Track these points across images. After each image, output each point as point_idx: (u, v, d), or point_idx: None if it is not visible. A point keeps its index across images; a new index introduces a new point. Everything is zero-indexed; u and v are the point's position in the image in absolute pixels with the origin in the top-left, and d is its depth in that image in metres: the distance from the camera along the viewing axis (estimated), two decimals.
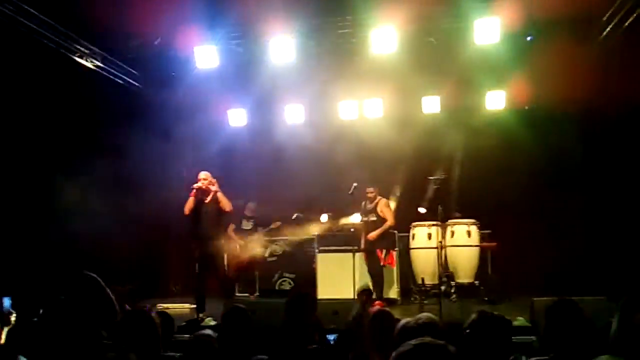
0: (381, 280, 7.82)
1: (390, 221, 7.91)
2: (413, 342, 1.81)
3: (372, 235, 7.84)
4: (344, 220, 9.11)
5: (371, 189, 7.98)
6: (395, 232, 8.44)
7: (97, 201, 8.45)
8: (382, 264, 7.93)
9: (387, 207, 8.05)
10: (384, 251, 8.00)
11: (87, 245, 8.09)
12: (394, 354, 1.80)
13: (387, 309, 3.77)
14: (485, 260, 8.55)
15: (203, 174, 7.26)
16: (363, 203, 8.13)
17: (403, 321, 2.61)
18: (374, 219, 7.95)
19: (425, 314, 2.67)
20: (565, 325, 3.07)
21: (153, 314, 3.08)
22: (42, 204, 7.93)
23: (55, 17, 7.48)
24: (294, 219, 9.56)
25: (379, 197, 8.04)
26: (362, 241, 8.10)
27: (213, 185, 7.21)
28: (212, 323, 6.27)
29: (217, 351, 3.17)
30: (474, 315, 2.76)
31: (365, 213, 8.09)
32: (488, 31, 8.05)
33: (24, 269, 7.04)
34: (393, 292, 8.36)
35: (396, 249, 8.43)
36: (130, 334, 2.92)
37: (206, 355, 3.13)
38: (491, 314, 2.90)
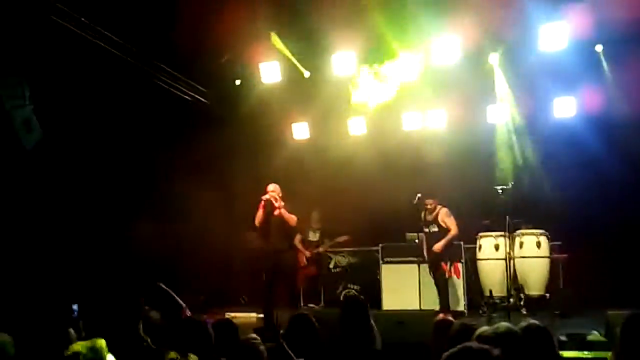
0: (446, 293, 7.71)
1: (454, 230, 7.76)
2: (459, 346, 1.85)
3: (438, 246, 7.71)
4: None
5: (430, 201, 7.86)
6: (461, 242, 8.33)
7: (169, 216, 8.81)
8: (447, 275, 7.83)
9: (449, 217, 7.85)
10: (449, 262, 7.91)
11: (160, 258, 8.46)
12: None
13: (450, 318, 3.75)
14: (556, 273, 8.27)
15: (271, 186, 7.38)
16: (422, 214, 8.02)
17: (479, 330, 2.57)
18: (435, 229, 7.83)
19: (504, 324, 2.61)
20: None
21: (209, 325, 3.23)
22: (117, 218, 8.32)
23: (126, 37, 7.91)
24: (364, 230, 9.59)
25: (439, 207, 7.89)
26: (425, 253, 8.03)
27: (277, 201, 7.26)
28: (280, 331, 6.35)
29: (262, 356, 3.26)
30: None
31: (426, 224, 7.98)
32: (555, 37, 7.88)
33: (96, 279, 7.39)
34: (460, 305, 8.22)
35: (462, 260, 8.31)
36: (187, 340, 3.07)
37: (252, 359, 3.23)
38: (536, 327, 2.85)
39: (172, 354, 2.87)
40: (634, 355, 3.02)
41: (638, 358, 2.98)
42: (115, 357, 2.53)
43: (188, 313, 3.93)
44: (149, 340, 2.91)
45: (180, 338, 3.13)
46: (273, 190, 7.33)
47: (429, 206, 7.88)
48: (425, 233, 8.00)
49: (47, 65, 6.89)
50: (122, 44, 7.87)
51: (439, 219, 7.81)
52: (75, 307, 5.90)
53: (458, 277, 8.17)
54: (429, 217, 7.90)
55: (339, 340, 3.60)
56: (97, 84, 7.71)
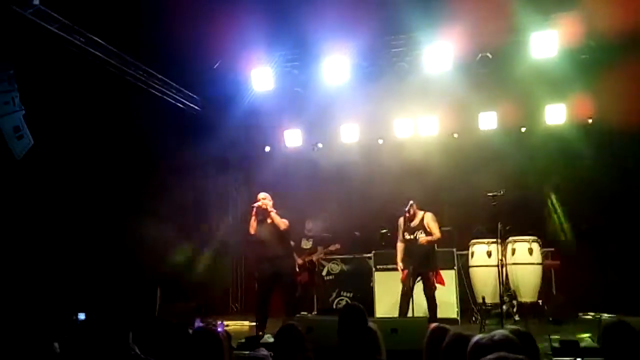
0: (436, 304, 7.30)
1: (438, 235, 7.33)
2: (491, 356, 1.82)
3: (424, 239, 7.20)
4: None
5: (408, 207, 7.34)
6: (454, 250, 8.32)
7: (162, 224, 8.75)
8: (434, 286, 7.37)
9: (435, 222, 7.37)
10: (434, 272, 7.43)
11: (153, 266, 8.42)
12: None
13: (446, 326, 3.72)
14: (549, 279, 8.29)
15: (262, 195, 7.35)
16: (401, 220, 7.48)
17: (476, 337, 2.53)
18: (423, 235, 7.32)
19: (500, 331, 2.58)
20: (622, 346, 3.04)
21: (221, 332, 3.18)
22: (112, 226, 8.28)
23: (118, 44, 7.88)
24: (355, 237, 9.60)
25: (423, 212, 7.41)
26: (405, 262, 7.42)
27: (266, 207, 7.19)
28: (271, 340, 6.32)
29: None
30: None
31: (410, 231, 7.39)
32: (545, 45, 7.94)
33: (97, 287, 7.35)
34: (452, 312, 8.18)
35: (454, 267, 8.29)
36: (198, 350, 3.02)
37: None
38: (519, 333, 2.85)
39: None
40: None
41: None
42: None
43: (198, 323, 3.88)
44: (136, 349, 2.87)
45: (193, 348, 3.07)
46: (264, 197, 7.29)
47: (409, 213, 7.37)
48: (409, 240, 7.40)
49: (37, 72, 6.84)
50: (113, 50, 7.84)
51: (425, 223, 7.36)
52: (81, 316, 5.85)
53: (442, 284, 7.60)
54: (413, 224, 7.42)
55: (338, 350, 3.55)
56: (86, 90, 7.67)
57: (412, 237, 7.36)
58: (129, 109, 8.54)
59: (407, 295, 7.24)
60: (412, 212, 7.35)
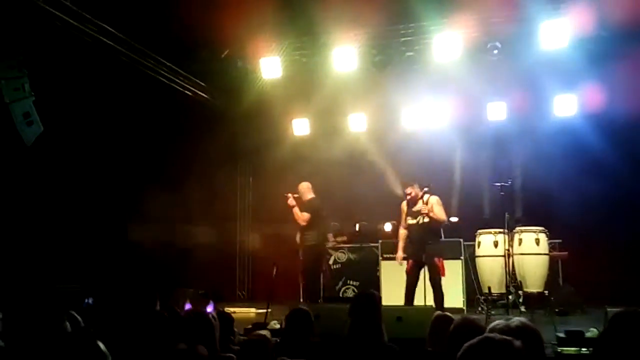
0: (442, 292, 7.00)
1: (443, 217, 7.07)
2: (475, 340, 1.82)
3: (425, 209, 6.88)
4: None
5: (410, 189, 7.09)
6: (461, 240, 8.32)
7: (169, 213, 8.82)
8: (441, 274, 7.06)
9: (439, 205, 7.07)
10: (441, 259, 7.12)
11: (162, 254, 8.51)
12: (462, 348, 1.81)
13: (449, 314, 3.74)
14: (555, 270, 8.28)
15: (301, 185, 7.82)
16: (403, 204, 7.22)
17: (493, 324, 2.52)
18: (427, 220, 6.99)
19: (518, 318, 2.56)
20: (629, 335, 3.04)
21: (211, 316, 3.22)
22: (122, 213, 8.35)
23: (127, 32, 7.89)
24: (358, 229, 9.62)
25: (428, 195, 7.02)
26: (407, 250, 7.24)
27: (289, 200, 7.68)
28: (277, 327, 6.37)
29: (270, 351, 3.26)
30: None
31: (413, 215, 7.10)
32: (556, 35, 7.86)
33: (104, 273, 7.44)
34: (458, 302, 8.20)
35: (461, 257, 8.30)
36: (191, 332, 3.06)
37: (260, 355, 3.23)
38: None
39: (182, 345, 2.86)
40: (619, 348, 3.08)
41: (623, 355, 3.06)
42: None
43: (188, 306, 3.94)
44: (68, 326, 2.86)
45: (185, 330, 3.13)
46: (298, 190, 7.77)
47: (410, 195, 7.09)
48: (412, 225, 7.12)
49: (47, 59, 6.88)
50: (123, 39, 7.86)
51: (430, 206, 6.99)
52: (89, 300, 5.95)
53: (443, 275, 7.11)
54: (416, 208, 7.08)
55: (348, 334, 3.58)
56: (96, 78, 7.70)
57: (415, 221, 7.07)
58: (138, 97, 8.57)
59: (412, 286, 7.08)
60: (413, 193, 7.05)
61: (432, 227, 7.04)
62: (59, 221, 7.29)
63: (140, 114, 8.65)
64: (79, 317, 3.13)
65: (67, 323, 2.86)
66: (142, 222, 8.55)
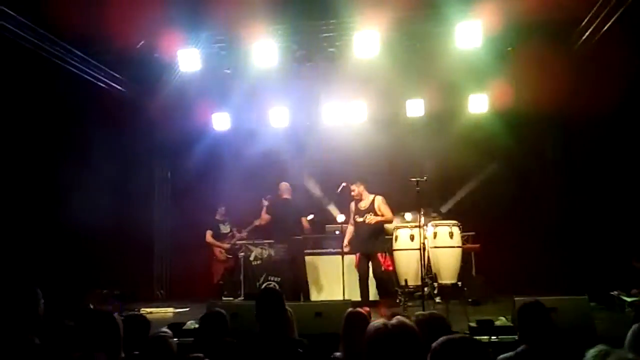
0: (384, 286, 7.54)
1: (389, 216, 7.58)
2: (450, 337, 2.02)
3: (372, 219, 7.41)
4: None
5: (354, 187, 7.60)
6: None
7: (85, 210, 8.42)
8: (383, 268, 7.50)
9: (386, 205, 7.57)
10: (385, 254, 7.61)
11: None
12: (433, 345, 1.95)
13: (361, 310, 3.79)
14: (469, 262, 8.60)
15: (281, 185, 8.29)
16: (352, 204, 7.74)
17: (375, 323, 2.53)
18: (372, 217, 7.47)
19: (398, 317, 2.59)
20: (533, 323, 3.41)
21: (115, 315, 3.08)
22: (30, 212, 7.92)
23: (34, 19, 7.43)
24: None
25: (373, 195, 7.61)
26: (353, 245, 7.73)
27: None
28: (194, 327, 6.21)
29: (172, 350, 3.19)
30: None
31: (359, 213, 7.59)
32: (470, 35, 8.13)
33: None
34: (375, 295, 8.34)
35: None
36: (93, 333, 2.93)
37: (161, 354, 3.15)
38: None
39: (77, 354, 2.71)
40: (530, 338, 3.30)
41: (534, 341, 3.35)
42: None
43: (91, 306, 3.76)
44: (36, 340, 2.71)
45: (86, 332, 2.97)
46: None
47: (354, 192, 7.60)
48: (359, 223, 7.60)
49: None
50: (27, 24, 7.39)
51: (377, 207, 7.54)
52: None
53: (390, 269, 7.66)
54: (363, 206, 7.61)
55: (258, 332, 3.55)
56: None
57: (361, 219, 7.59)
58: (46, 87, 8.10)
59: (364, 280, 7.60)
60: (357, 191, 7.60)
61: (378, 225, 7.57)
62: None
63: (47, 103, 8.18)
64: None
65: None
66: (54, 215, 8.15)
